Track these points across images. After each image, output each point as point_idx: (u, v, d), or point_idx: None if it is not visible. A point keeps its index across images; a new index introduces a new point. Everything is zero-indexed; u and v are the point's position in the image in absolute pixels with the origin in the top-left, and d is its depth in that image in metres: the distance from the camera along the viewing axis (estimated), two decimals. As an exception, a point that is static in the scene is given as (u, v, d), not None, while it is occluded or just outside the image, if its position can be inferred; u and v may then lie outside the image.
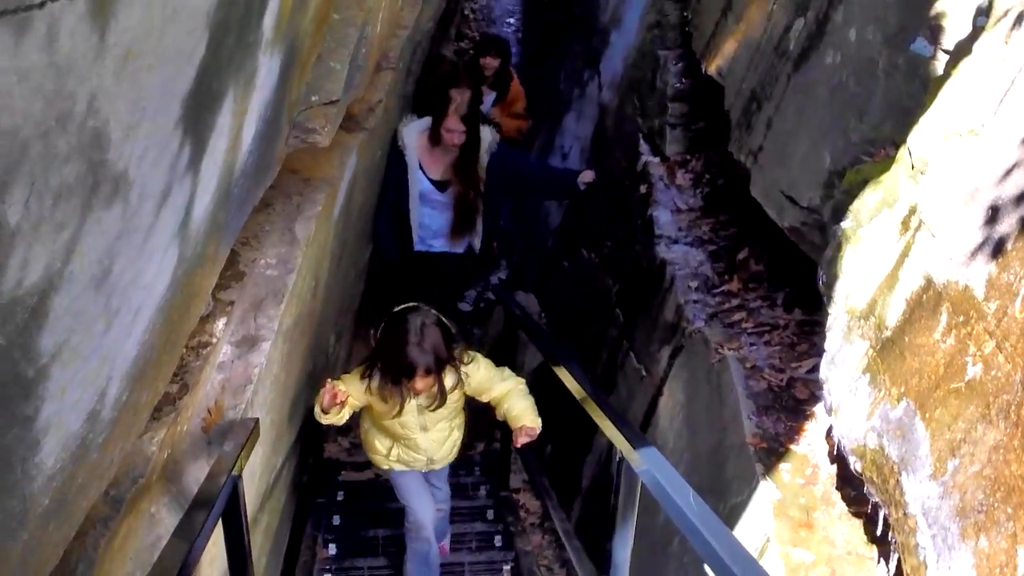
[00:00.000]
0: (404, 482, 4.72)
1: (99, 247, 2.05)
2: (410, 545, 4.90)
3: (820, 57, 4.06)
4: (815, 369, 3.94)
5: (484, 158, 5.95)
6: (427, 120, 5.95)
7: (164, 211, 2.45)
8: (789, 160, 4.13)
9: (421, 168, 5.98)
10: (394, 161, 5.99)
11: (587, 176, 5.71)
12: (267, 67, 3.18)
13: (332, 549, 5.66)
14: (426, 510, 4.79)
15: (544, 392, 6.15)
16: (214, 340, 3.49)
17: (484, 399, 4.36)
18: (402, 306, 4.14)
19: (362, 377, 4.19)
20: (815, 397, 3.83)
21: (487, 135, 5.94)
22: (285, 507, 5.20)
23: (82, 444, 2.28)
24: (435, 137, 5.85)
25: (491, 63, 7.33)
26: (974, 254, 2.70)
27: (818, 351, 4.03)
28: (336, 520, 6.01)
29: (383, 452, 4.56)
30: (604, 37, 7.97)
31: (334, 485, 6.52)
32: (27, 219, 1.66)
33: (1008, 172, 2.65)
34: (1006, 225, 2.61)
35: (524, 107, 7.51)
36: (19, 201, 1.62)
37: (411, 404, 4.20)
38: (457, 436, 4.57)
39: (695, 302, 4.75)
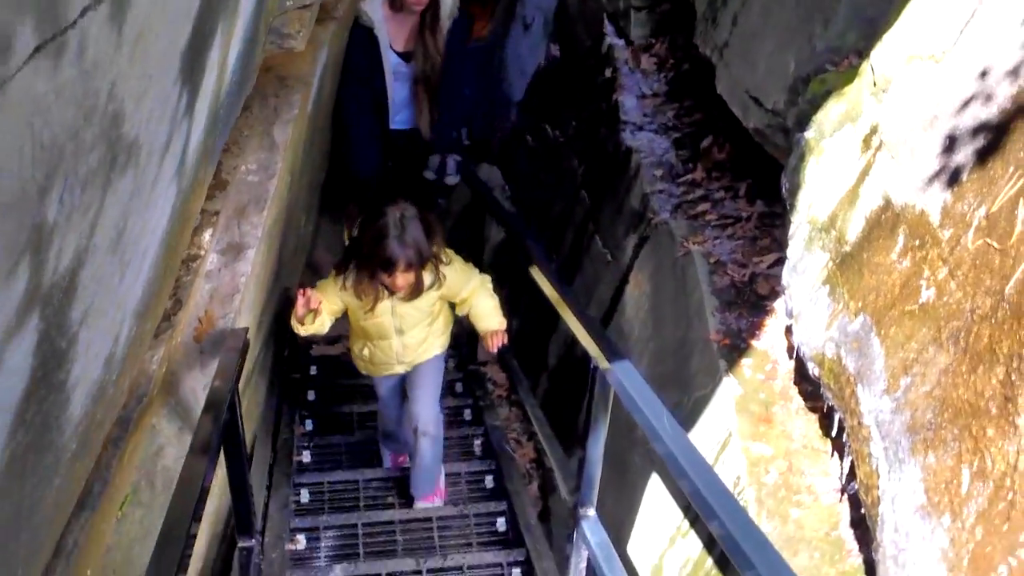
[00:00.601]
0: (377, 386, 4.76)
1: (116, 213, 2.17)
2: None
3: (788, -45, 4.13)
4: (776, 264, 4.13)
5: (445, 24, 5.89)
6: None
7: (166, 159, 2.56)
8: (754, 61, 4.23)
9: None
10: (360, 42, 5.81)
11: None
12: (248, -11, 3.23)
13: (309, 425, 5.87)
14: (390, 418, 4.91)
15: (508, 270, 6.35)
16: (202, 252, 3.61)
17: (455, 300, 4.30)
18: (381, 200, 4.00)
19: (337, 279, 4.12)
20: (775, 293, 4.01)
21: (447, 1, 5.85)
22: (267, 388, 5.39)
23: (101, 387, 2.43)
24: (397, 2, 5.74)
25: None
26: (931, 181, 2.86)
27: (779, 246, 4.22)
28: (311, 396, 6.20)
29: (357, 352, 4.55)
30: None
31: (306, 360, 6.70)
32: (62, 213, 1.78)
33: (966, 103, 2.80)
34: (962, 156, 2.76)
35: None
36: (55, 200, 1.73)
37: (385, 303, 4.13)
38: (433, 341, 4.45)
39: (660, 192, 4.89)
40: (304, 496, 5.11)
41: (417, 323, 4.30)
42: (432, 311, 4.32)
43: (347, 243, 4.20)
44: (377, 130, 6.02)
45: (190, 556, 2.48)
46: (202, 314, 3.61)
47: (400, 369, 4.50)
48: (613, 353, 3.24)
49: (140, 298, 2.67)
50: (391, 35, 5.89)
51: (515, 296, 6.47)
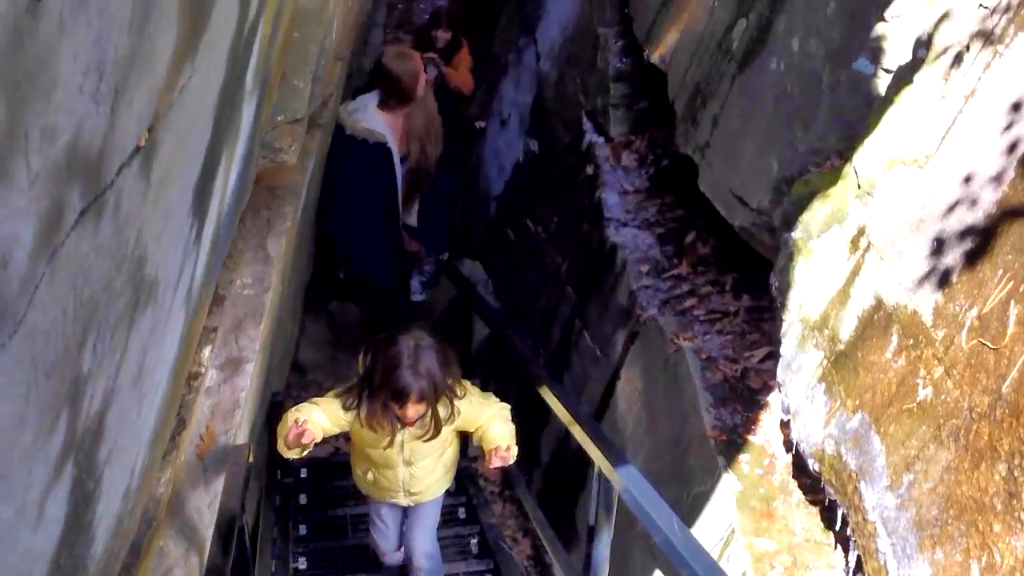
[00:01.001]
0: (372, 514, 4.55)
1: (137, 351, 2.22)
2: None
3: (764, 63, 4.27)
4: (767, 358, 4.21)
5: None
6: (369, 96, 5.96)
7: (179, 289, 2.61)
8: (737, 161, 4.36)
9: None
10: (377, 162, 5.87)
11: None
12: (248, 113, 3.31)
13: (303, 529, 5.84)
14: (386, 543, 4.63)
15: (494, 364, 6.40)
16: (203, 370, 3.65)
17: (469, 431, 4.01)
18: (394, 328, 3.83)
19: (346, 406, 3.82)
20: (768, 387, 4.09)
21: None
22: (261, 494, 5.38)
23: (119, 520, 2.45)
24: (393, 100, 5.90)
25: (443, 35, 7.59)
26: (921, 282, 2.95)
27: (768, 340, 4.30)
28: (303, 499, 6.18)
29: (359, 475, 4.31)
30: (537, 3, 8.08)
31: (296, 463, 6.69)
32: (95, 362, 1.82)
33: (951, 208, 2.90)
34: (951, 258, 2.86)
35: (471, 69, 7.81)
36: (90, 350, 1.78)
37: (400, 435, 3.87)
38: (442, 473, 4.22)
39: (647, 287, 4.98)
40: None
41: (427, 455, 4.06)
42: (444, 444, 4.07)
43: (359, 371, 3.84)
44: (392, 238, 6.13)
45: None
46: (203, 431, 3.63)
47: (404, 501, 4.26)
48: (618, 458, 3.29)
49: (152, 427, 2.70)
50: (393, 142, 5.99)
51: (503, 392, 6.51)
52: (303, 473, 6.55)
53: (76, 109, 1.44)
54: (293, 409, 3.87)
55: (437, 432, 3.81)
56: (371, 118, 5.77)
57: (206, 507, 3.51)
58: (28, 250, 1.35)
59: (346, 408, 3.81)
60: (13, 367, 1.36)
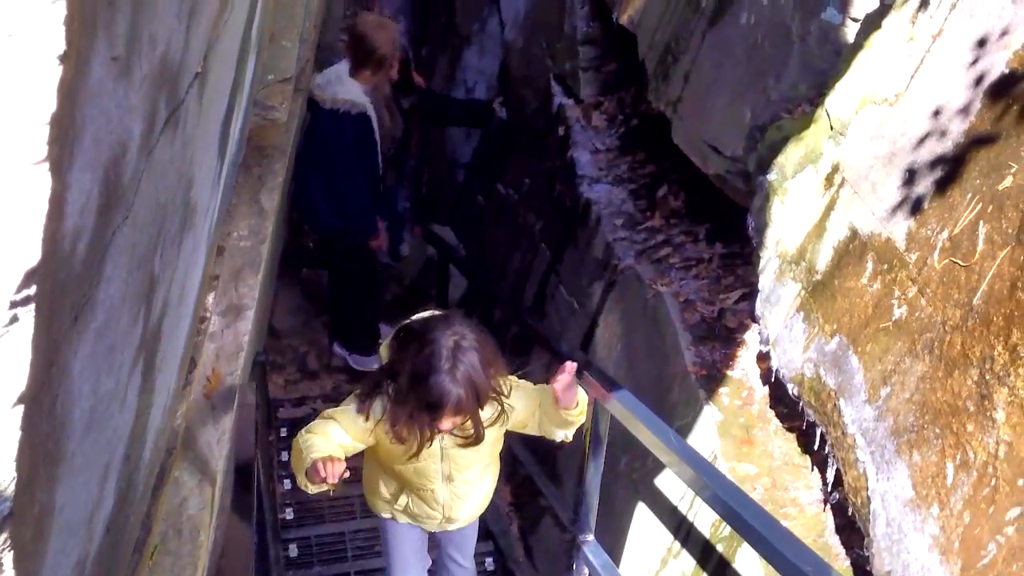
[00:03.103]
0: (396, 539, 3.77)
1: (182, 270, 2.39)
2: None
3: (734, 16, 4.48)
4: (742, 299, 4.43)
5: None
6: (339, 67, 5.94)
7: (206, 221, 2.77)
8: (709, 113, 4.56)
9: None
10: (363, 130, 5.88)
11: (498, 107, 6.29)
12: (250, 67, 3.47)
13: (287, 484, 5.99)
14: None
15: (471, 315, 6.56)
16: (209, 314, 3.80)
17: (525, 428, 3.44)
18: (424, 314, 3.17)
19: (363, 411, 3.16)
20: (744, 326, 4.30)
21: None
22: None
23: (158, 434, 2.61)
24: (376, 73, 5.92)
25: None
26: (894, 211, 3.17)
27: (742, 283, 4.52)
28: (284, 456, 6.32)
29: (386, 496, 3.57)
30: (500, -27, 8.22)
31: (276, 422, 6.84)
32: (161, 267, 1.99)
33: (922, 140, 3.13)
34: (922, 187, 3.09)
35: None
36: (159, 254, 1.94)
37: (433, 446, 3.22)
38: (488, 487, 3.62)
39: (622, 239, 5.18)
40: (293, 551, 5.24)
41: (471, 465, 3.41)
42: (492, 451, 3.48)
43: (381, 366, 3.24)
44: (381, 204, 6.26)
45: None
46: (210, 372, 3.78)
47: (446, 526, 3.66)
48: (611, 384, 3.49)
49: (181, 353, 2.86)
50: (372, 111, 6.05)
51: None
52: (283, 432, 6.69)
53: (168, 23, 1.61)
54: (305, 431, 3.24)
55: (480, 438, 3.19)
56: (349, 88, 5.81)
57: (215, 443, 3.66)
58: (137, 144, 1.52)
59: (367, 416, 3.15)
60: (123, 250, 1.53)
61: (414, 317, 3.18)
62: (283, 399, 7.11)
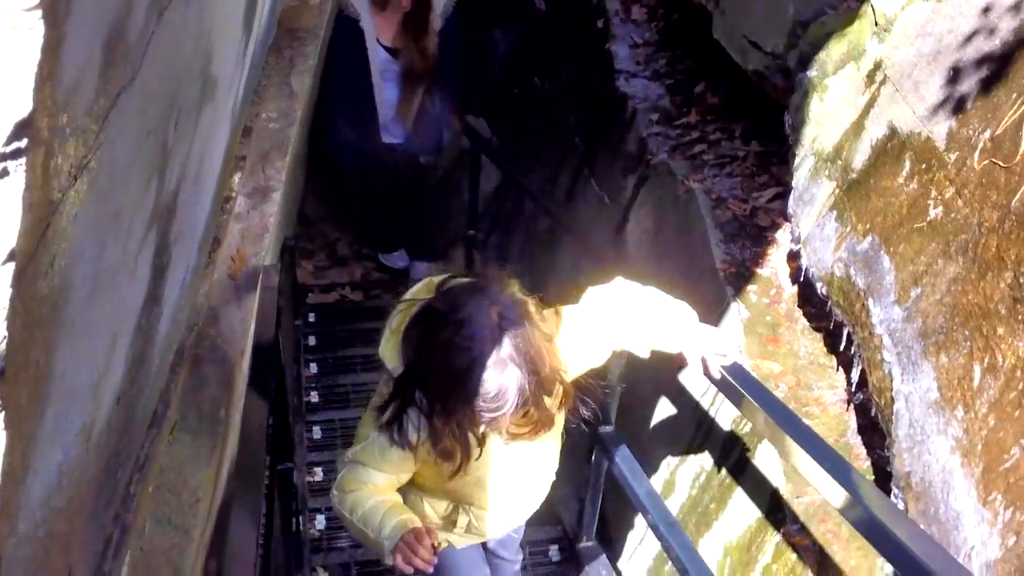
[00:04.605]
0: (456, 569, 3.10)
1: (199, 145, 2.36)
2: None
3: (781, -95, 4.32)
4: (776, 198, 4.36)
5: (437, 22, 5.75)
6: None
7: (229, 97, 2.73)
8: (752, 8, 4.43)
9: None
10: (344, 34, 5.54)
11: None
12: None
13: (313, 368, 6.05)
14: None
15: (501, 214, 6.53)
16: (233, 195, 3.77)
17: (594, 363, 2.71)
18: (450, 281, 2.43)
19: (396, 441, 2.49)
20: (776, 224, 4.24)
21: None
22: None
23: (176, 309, 2.62)
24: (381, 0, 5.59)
25: None
26: (936, 110, 3.08)
27: (776, 182, 4.44)
28: (312, 341, 6.38)
29: (437, 522, 2.88)
30: None
31: (304, 307, 6.88)
32: (175, 138, 1.96)
33: (969, 38, 3.01)
34: (966, 86, 2.98)
35: None
36: (173, 125, 1.91)
37: (487, 447, 2.57)
38: (552, 474, 2.98)
39: (657, 135, 5.09)
40: (317, 433, 5.30)
41: (536, 455, 2.81)
42: (556, 432, 2.78)
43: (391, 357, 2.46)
44: (357, 124, 5.90)
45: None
46: (234, 252, 3.77)
47: (498, 533, 3.08)
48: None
49: (201, 231, 2.84)
50: (377, 28, 5.70)
51: (504, 245, 6.68)
52: (311, 317, 6.73)
53: None
54: (340, 491, 2.64)
55: (549, 423, 2.55)
56: None
57: (238, 323, 3.66)
58: (145, 3, 1.47)
59: (403, 444, 2.49)
60: (130, 114, 1.48)
61: (417, 294, 2.47)
62: (312, 285, 7.13)
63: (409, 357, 2.37)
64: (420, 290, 2.49)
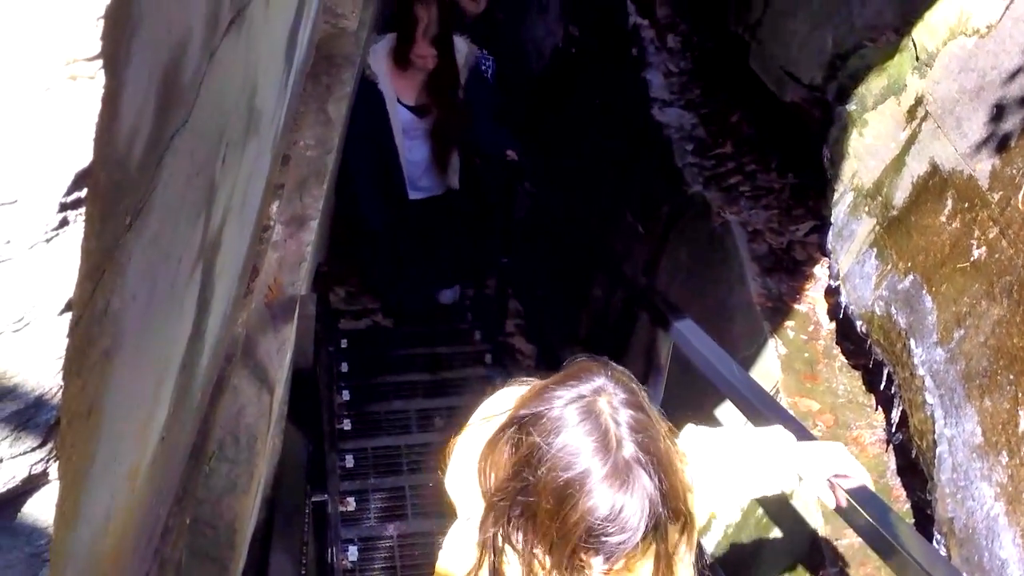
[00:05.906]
0: None
1: (244, 177, 2.35)
2: None
3: (820, -62, 4.31)
4: (812, 232, 4.33)
5: (463, 74, 5.63)
6: (390, 37, 5.48)
7: (271, 129, 2.73)
8: (789, 39, 4.42)
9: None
10: (364, 95, 5.37)
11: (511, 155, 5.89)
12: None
13: (346, 395, 6.03)
14: None
15: (533, 234, 6.52)
16: (272, 223, 3.78)
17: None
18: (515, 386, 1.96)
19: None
20: (813, 259, 4.21)
21: (463, 47, 5.58)
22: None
23: (217, 342, 2.61)
24: (402, 61, 5.44)
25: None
26: (978, 148, 3.05)
27: (813, 215, 4.41)
28: (344, 367, 6.37)
29: None
30: None
31: (336, 333, 6.88)
32: (222, 173, 1.95)
33: (1013, 75, 2.99)
34: (1010, 124, 2.96)
35: None
36: (221, 160, 1.91)
37: None
38: None
39: (692, 165, 5.07)
40: (349, 461, 5.29)
41: None
42: None
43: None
44: (382, 186, 5.82)
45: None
46: (271, 281, 3.78)
47: None
48: (674, 312, 3.43)
49: (242, 261, 2.84)
50: (398, 89, 5.56)
51: (537, 270, 6.65)
52: (343, 343, 6.73)
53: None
54: None
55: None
56: (375, 57, 5.44)
57: (275, 351, 3.67)
58: (198, 45, 1.47)
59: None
60: (182, 154, 1.48)
61: (505, 391, 1.98)
62: (344, 310, 7.13)
63: (489, 478, 1.82)
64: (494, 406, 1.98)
